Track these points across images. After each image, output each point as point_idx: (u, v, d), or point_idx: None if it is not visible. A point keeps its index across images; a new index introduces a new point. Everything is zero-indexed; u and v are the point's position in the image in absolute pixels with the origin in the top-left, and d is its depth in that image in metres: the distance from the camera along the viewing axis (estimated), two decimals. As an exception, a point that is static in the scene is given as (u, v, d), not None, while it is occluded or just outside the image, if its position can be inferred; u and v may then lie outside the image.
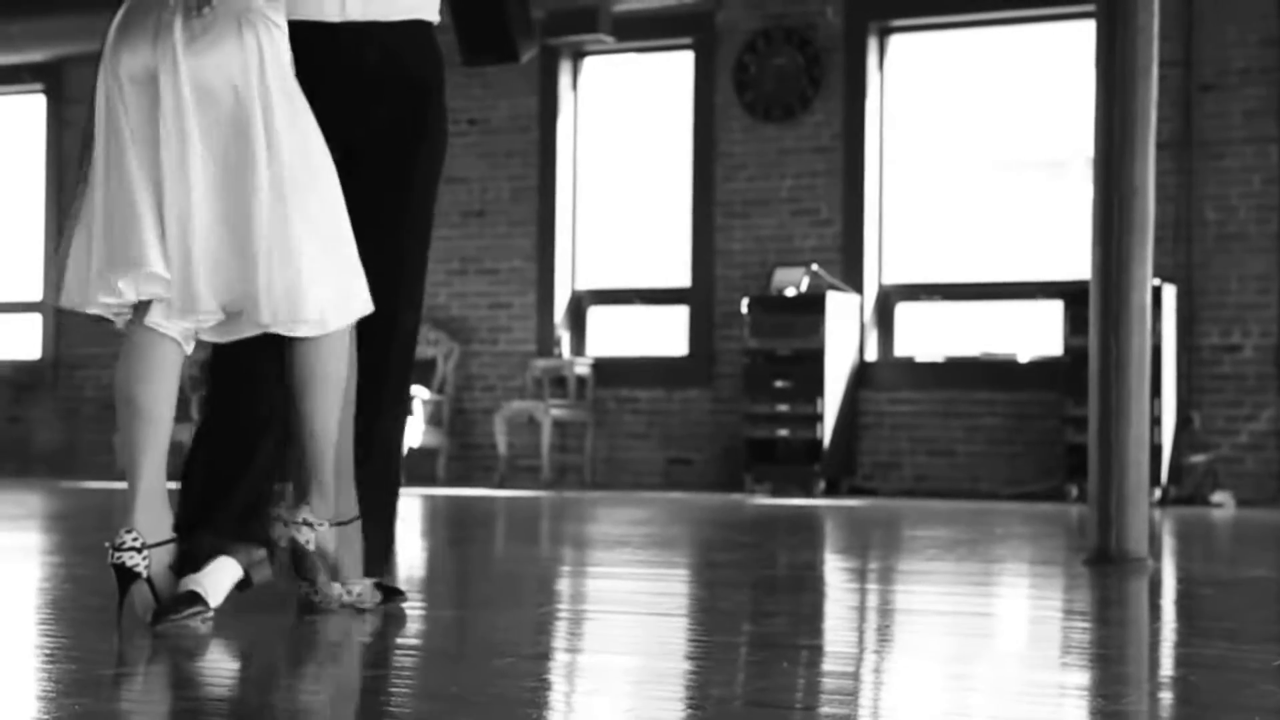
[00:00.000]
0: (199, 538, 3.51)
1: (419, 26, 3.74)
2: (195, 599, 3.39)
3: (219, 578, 3.45)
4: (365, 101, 3.70)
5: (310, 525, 3.58)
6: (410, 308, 3.84)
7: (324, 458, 3.59)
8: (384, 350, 3.78)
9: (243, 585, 3.51)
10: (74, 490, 10.26)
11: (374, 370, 3.77)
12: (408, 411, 3.93)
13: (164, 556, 3.45)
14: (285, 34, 3.53)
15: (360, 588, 3.66)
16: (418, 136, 3.76)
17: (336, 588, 3.62)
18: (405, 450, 4.06)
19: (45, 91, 13.37)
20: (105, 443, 12.54)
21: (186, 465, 3.66)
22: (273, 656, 3.24)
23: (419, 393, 11.40)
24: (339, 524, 3.62)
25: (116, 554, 3.40)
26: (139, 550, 3.41)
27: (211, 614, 3.39)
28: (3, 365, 13.41)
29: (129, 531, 3.41)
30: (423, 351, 11.48)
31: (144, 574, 3.41)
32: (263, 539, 3.57)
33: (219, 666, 3.09)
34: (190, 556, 3.48)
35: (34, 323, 13.43)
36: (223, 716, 2.62)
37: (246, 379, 3.65)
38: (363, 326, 3.68)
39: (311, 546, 3.57)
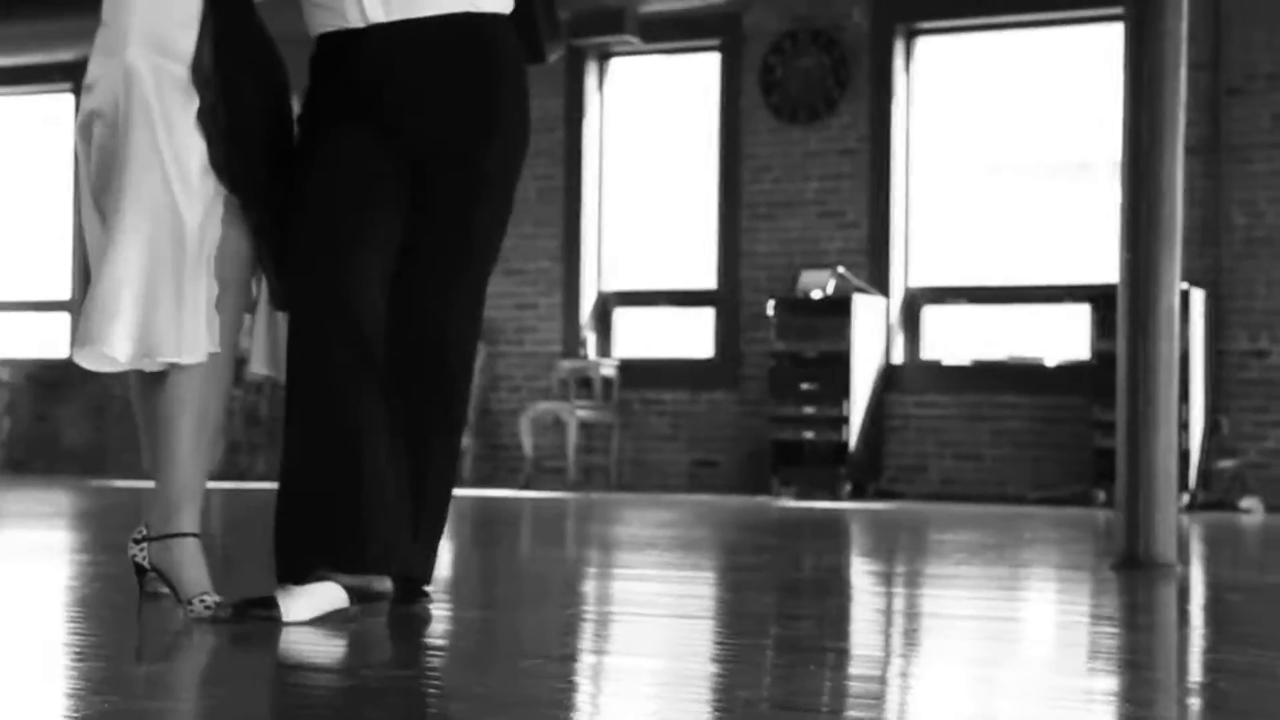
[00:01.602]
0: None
1: (459, 20, 3.55)
2: (269, 605, 3.43)
3: (314, 599, 3.46)
4: (412, 104, 3.55)
5: (142, 541, 3.58)
6: (471, 320, 3.70)
7: (165, 477, 3.52)
8: (441, 359, 3.67)
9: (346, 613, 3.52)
10: (102, 489, 10.29)
11: (436, 377, 3.67)
12: (464, 424, 3.83)
13: (168, 550, 3.50)
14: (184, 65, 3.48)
15: (210, 599, 3.49)
16: (483, 134, 3.57)
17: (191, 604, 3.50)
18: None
19: (74, 90, 13.42)
20: (132, 440, 12.59)
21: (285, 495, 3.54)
22: (299, 656, 3.24)
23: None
24: (170, 536, 3.53)
25: (130, 549, 3.63)
26: (136, 542, 3.60)
27: (281, 623, 3.40)
28: (31, 364, 13.46)
29: (139, 529, 3.61)
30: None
31: (146, 565, 3.58)
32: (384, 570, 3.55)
33: (244, 665, 3.10)
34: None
35: (62, 321, 13.48)
36: (248, 714, 2.62)
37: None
38: (419, 340, 3.64)
39: (146, 563, 3.56)
